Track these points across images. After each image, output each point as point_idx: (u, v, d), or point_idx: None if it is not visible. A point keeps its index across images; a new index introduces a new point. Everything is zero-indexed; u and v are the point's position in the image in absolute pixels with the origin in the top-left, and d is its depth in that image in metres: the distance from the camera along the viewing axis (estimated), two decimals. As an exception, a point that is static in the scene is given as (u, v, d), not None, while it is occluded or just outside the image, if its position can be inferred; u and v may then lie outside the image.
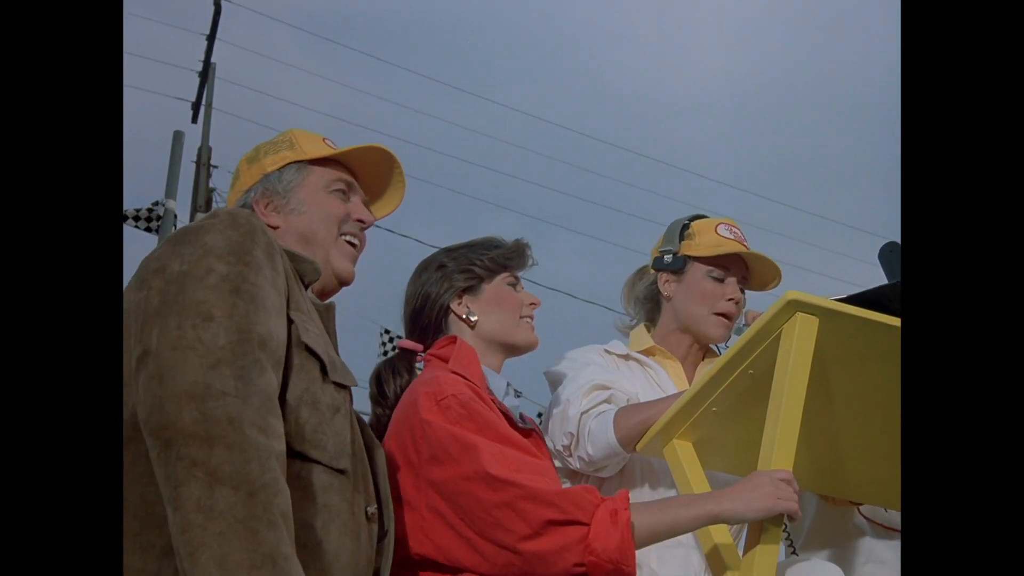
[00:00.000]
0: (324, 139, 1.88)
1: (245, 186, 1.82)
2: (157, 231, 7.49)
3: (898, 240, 1.97)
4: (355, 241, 1.80)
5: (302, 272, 1.60)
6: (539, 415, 3.45)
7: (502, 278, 2.09)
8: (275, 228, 1.72)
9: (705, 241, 2.42)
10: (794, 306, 1.77)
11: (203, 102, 10.12)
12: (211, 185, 9.64)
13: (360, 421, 1.64)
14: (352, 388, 1.58)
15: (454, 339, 2.02)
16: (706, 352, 2.49)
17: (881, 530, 2.44)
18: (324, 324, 1.60)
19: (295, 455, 1.39)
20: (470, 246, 2.13)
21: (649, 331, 2.47)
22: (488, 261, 2.08)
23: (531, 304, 2.11)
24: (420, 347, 2.09)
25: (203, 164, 9.61)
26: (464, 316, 2.05)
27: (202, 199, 9.46)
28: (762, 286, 2.49)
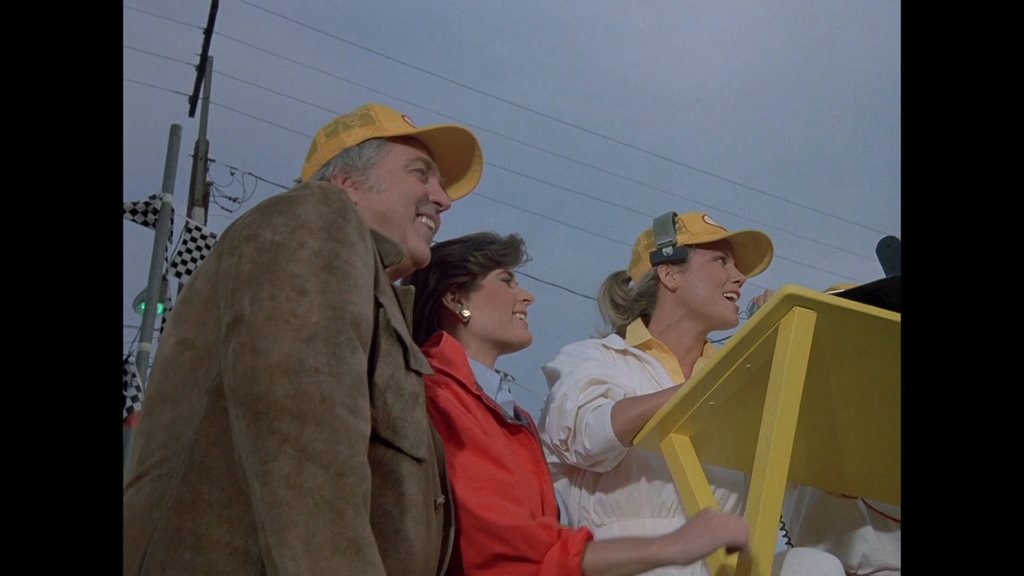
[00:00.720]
0: (403, 116, 1.86)
1: (323, 159, 1.80)
2: (154, 225, 7.48)
3: (896, 235, 1.97)
4: (431, 223, 1.79)
5: (383, 253, 1.57)
6: None
7: (495, 274, 2.09)
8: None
9: (701, 229, 2.47)
10: (792, 300, 1.77)
11: (200, 96, 10.12)
12: (208, 179, 9.64)
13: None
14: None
15: (439, 335, 2.01)
16: (704, 348, 2.50)
17: (880, 519, 2.45)
18: (402, 310, 1.58)
19: (380, 441, 1.37)
20: (464, 241, 2.13)
21: (646, 326, 2.48)
22: (482, 257, 2.08)
23: (524, 300, 2.11)
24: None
25: (200, 158, 9.61)
26: (457, 312, 2.05)
27: (199, 193, 9.46)
28: (747, 271, 2.53)
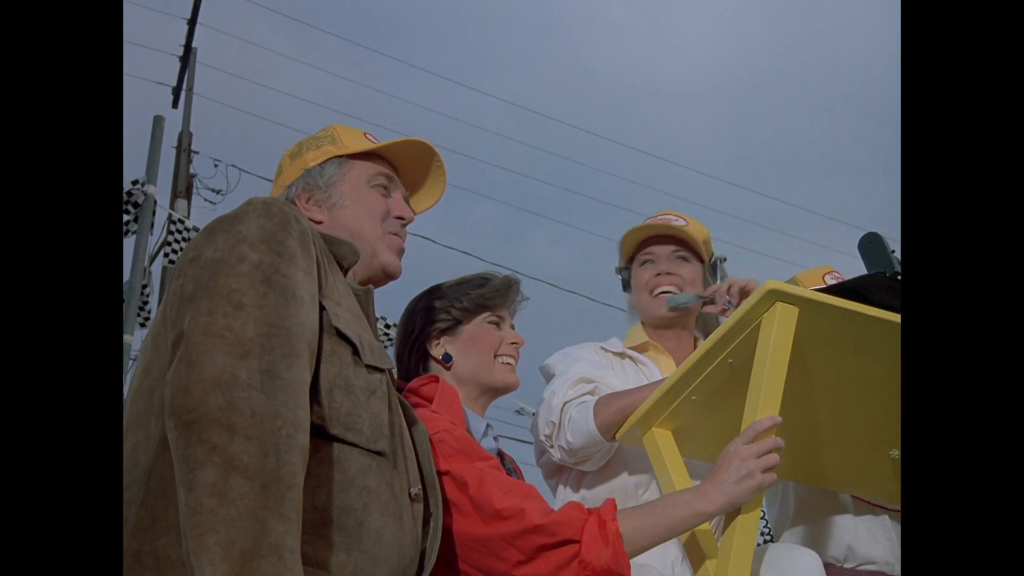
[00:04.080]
0: (365, 134, 1.89)
1: (287, 181, 1.83)
2: (136, 218, 7.44)
3: (877, 231, 1.98)
4: (398, 237, 1.81)
5: (340, 255, 1.61)
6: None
7: (482, 318, 2.08)
8: (318, 223, 1.72)
9: (626, 243, 2.52)
10: (774, 296, 1.77)
11: (184, 87, 10.07)
12: (191, 171, 9.59)
13: (401, 402, 1.64)
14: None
15: (434, 378, 2.00)
16: (696, 342, 2.51)
17: (865, 507, 2.46)
18: (363, 308, 1.61)
19: (331, 439, 1.40)
20: (458, 284, 2.13)
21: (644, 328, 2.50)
22: (467, 302, 2.08)
23: (512, 344, 2.10)
24: (403, 384, 2.09)
25: (183, 150, 9.56)
26: (439, 358, 2.05)
27: (182, 185, 9.41)
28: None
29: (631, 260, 2.51)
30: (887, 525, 2.45)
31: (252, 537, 1.16)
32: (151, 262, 7.38)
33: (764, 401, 1.76)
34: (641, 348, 2.45)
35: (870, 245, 1.97)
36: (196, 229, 7.20)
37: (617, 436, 2.12)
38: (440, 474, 1.75)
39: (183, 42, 10.15)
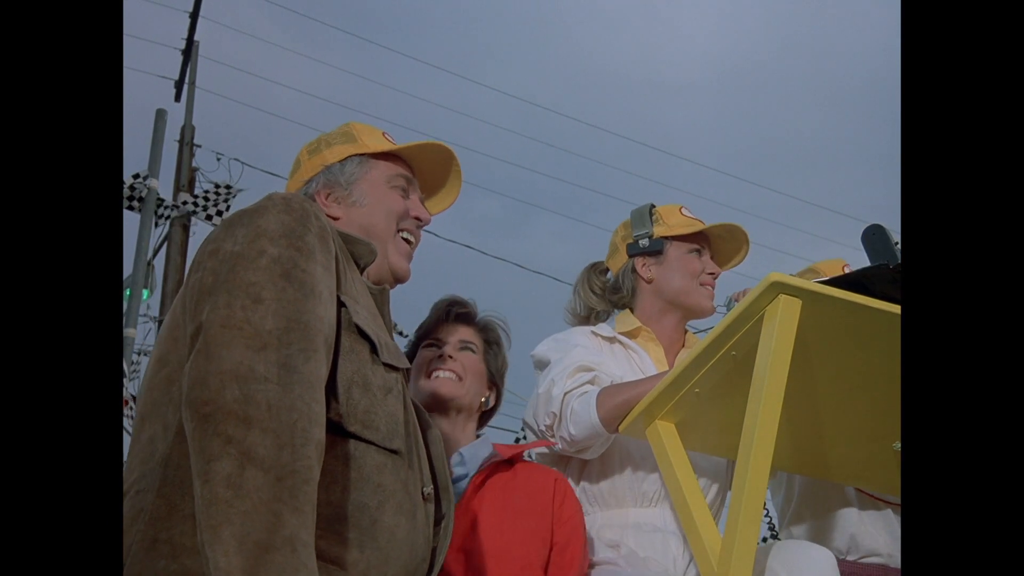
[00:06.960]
0: (384, 133, 1.91)
1: (305, 176, 1.85)
2: (139, 211, 7.45)
3: (879, 222, 1.98)
4: (411, 238, 1.83)
5: (357, 255, 1.62)
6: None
7: (423, 347, 2.20)
8: (336, 219, 1.74)
9: (678, 222, 2.49)
10: (777, 288, 1.77)
11: (186, 80, 10.06)
12: (194, 164, 9.59)
13: (415, 403, 1.64)
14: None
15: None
16: (686, 338, 2.51)
17: (869, 500, 2.47)
18: (379, 308, 1.62)
19: (347, 435, 1.40)
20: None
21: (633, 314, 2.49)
22: (416, 339, 2.23)
23: (439, 357, 2.16)
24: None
25: (186, 143, 9.55)
26: None
27: (185, 178, 9.41)
28: (723, 263, 2.55)
29: (674, 237, 2.49)
30: (890, 518, 2.45)
31: (266, 530, 1.16)
32: (154, 255, 7.39)
33: (767, 393, 1.76)
34: (632, 334, 2.45)
35: (873, 237, 1.97)
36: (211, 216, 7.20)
37: (620, 429, 2.12)
38: None
39: (185, 35, 10.14)
